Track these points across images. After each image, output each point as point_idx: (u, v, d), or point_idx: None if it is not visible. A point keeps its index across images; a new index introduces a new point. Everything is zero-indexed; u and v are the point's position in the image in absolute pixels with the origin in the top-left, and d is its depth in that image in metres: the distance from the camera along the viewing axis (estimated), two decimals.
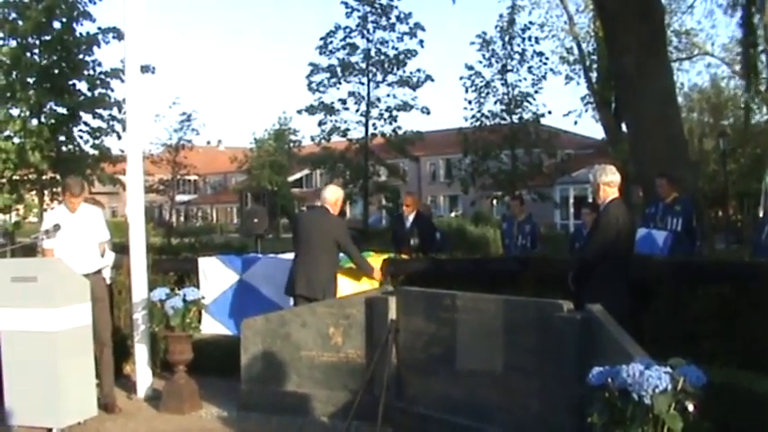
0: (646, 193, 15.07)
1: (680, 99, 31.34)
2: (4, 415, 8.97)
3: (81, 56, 24.79)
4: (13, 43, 23.81)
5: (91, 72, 24.88)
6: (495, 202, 47.40)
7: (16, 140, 23.33)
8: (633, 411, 4.77)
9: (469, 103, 41.71)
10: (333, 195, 10.75)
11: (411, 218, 13.68)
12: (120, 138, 25.00)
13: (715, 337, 8.61)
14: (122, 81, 12.16)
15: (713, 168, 46.82)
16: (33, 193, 23.83)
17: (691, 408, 4.76)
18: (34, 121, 23.61)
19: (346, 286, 10.96)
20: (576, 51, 42.74)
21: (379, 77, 39.97)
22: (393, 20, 39.63)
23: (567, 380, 6.74)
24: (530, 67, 41.04)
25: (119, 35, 24.04)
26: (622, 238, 8.72)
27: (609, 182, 8.78)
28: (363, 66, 39.96)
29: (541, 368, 7.19)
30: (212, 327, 11.94)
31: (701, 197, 15.11)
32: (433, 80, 39.88)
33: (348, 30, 39.95)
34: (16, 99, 23.18)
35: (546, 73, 41.41)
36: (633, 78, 15.38)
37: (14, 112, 23.61)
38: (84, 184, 10.78)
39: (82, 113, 24.85)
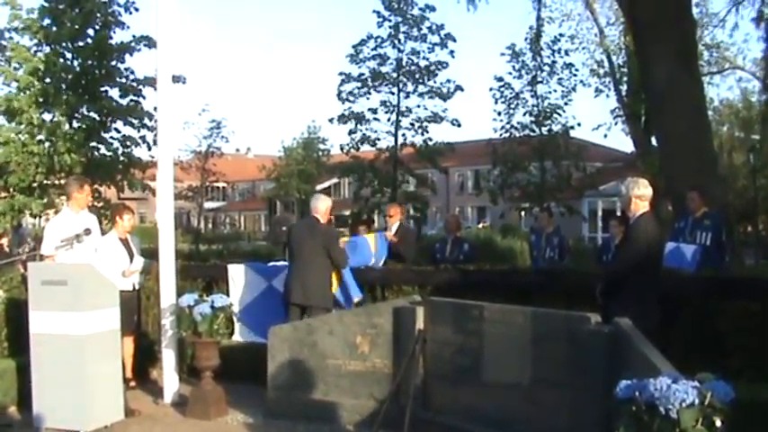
0: (675, 206, 15.02)
1: (710, 113, 31.16)
2: (32, 417, 9.04)
3: (114, 63, 25.01)
4: (48, 49, 24.03)
5: (123, 80, 25.11)
6: (523, 214, 47.27)
7: (47, 145, 23.52)
8: (660, 425, 4.74)
9: (499, 114, 41.63)
10: (323, 205, 11.25)
11: (394, 228, 13.69)
12: (150, 148, 25.22)
13: (743, 352, 8.59)
14: (155, 89, 12.27)
15: (743, 183, 46.63)
16: (64, 198, 23.95)
17: (718, 423, 4.74)
18: (66, 126, 23.79)
19: None
20: (606, 64, 42.58)
21: (410, 88, 39.94)
22: (425, 30, 39.60)
23: (594, 393, 6.73)
24: (559, 79, 40.91)
25: (150, 44, 24.27)
26: (652, 252, 8.69)
27: (641, 195, 8.73)
28: (394, 76, 39.94)
29: (569, 381, 7.18)
30: (246, 334, 12.04)
31: (730, 212, 15.02)
32: (462, 90, 39.78)
33: (379, 39, 39.96)
34: (50, 104, 23.38)
35: (576, 85, 41.28)
36: (664, 92, 15.34)
37: (47, 116, 23.82)
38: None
39: (114, 120, 25.07)
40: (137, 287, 11.34)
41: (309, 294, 10.81)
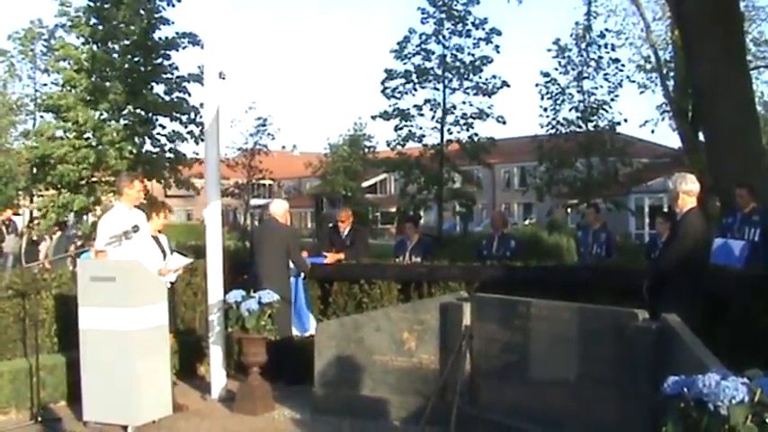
0: (722, 202, 14.87)
1: (758, 108, 30.79)
2: (81, 412, 9.13)
3: (159, 60, 25.23)
4: (95, 47, 24.30)
5: (168, 76, 25.34)
6: (569, 210, 47.02)
7: (94, 142, 23.76)
8: (708, 422, 4.69)
9: (545, 110, 41.50)
10: (280, 208, 11.96)
11: (346, 231, 14.31)
12: (197, 142, 25.42)
13: None
14: (202, 85, 12.40)
15: None
16: (110, 195, 24.10)
17: None
18: (112, 123, 24.03)
19: None
20: (652, 59, 42.18)
21: (455, 84, 39.87)
22: (469, 26, 39.51)
23: (641, 389, 6.70)
24: (606, 75, 40.70)
25: (194, 40, 24.49)
26: (699, 249, 8.63)
27: (688, 191, 8.67)
28: (439, 72, 39.90)
29: (616, 377, 7.15)
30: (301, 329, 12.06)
31: None
32: (509, 86, 39.72)
33: (424, 36, 39.92)
34: (97, 101, 23.61)
35: (622, 80, 41.02)
36: (711, 87, 15.14)
37: (93, 113, 24.05)
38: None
39: (159, 117, 25.29)
40: (168, 285, 11.31)
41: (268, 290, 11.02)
